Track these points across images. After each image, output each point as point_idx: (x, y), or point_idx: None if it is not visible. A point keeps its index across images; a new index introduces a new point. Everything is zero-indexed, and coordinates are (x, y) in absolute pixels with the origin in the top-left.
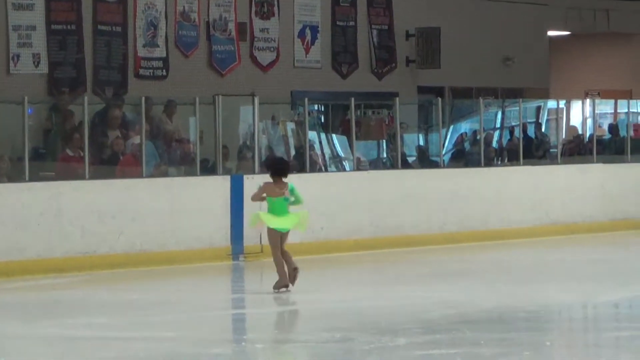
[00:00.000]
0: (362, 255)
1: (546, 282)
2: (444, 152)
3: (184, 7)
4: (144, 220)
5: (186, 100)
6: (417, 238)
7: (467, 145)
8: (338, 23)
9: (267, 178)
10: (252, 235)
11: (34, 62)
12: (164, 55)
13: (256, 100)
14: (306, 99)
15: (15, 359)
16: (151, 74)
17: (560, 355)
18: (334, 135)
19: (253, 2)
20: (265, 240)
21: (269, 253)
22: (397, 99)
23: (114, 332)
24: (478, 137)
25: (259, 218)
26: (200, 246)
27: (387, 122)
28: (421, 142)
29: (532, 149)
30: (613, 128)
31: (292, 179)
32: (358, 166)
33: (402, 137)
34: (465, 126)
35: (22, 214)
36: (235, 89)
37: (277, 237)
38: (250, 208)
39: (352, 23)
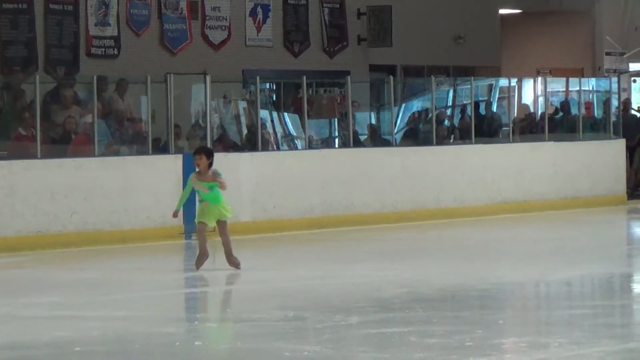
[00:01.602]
0: (314, 234)
1: (499, 260)
2: (395, 131)
3: None
4: (96, 199)
5: (138, 79)
6: (370, 216)
7: (419, 123)
8: (289, 1)
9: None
10: None
11: None
12: (116, 34)
13: (208, 78)
14: (258, 78)
15: None
16: (103, 52)
17: (512, 333)
18: (285, 114)
19: None
20: None
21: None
22: (349, 77)
23: (67, 311)
24: (430, 116)
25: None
26: (153, 225)
27: (338, 101)
28: (373, 121)
29: (484, 128)
30: (564, 106)
31: (245, 158)
32: (310, 145)
33: (354, 116)
34: (417, 104)
35: None
36: (186, 67)
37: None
38: None
39: (303, 2)
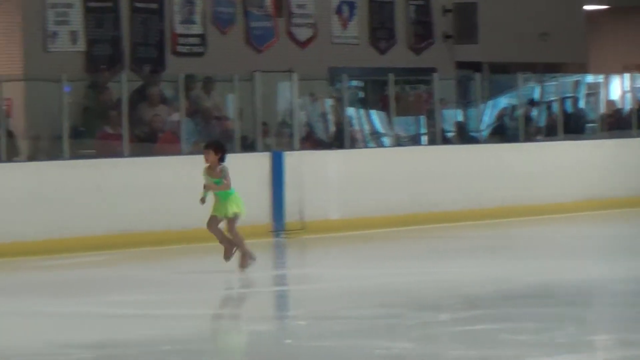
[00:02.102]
0: (401, 232)
1: (587, 257)
2: (482, 128)
3: None
4: (184, 197)
5: (224, 77)
6: (457, 214)
7: (506, 120)
8: None
9: (305, 155)
10: (293, 212)
11: (71, 40)
12: (201, 31)
13: (294, 76)
14: (344, 75)
15: (53, 337)
16: (189, 50)
17: (602, 330)
18: (372, 112)
19: None
20: (308, 216)
21: (310, 230)
22: (435, 74)
23: (154, 309)
24: (517, 113)
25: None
26: (241, 223)
27: (425, 98)
28: (460, 118)
29: (570, 124)
30: None
31: (332, 155)
32: (397, 142)
33: (440, 113)
34: (503, 101)
35: (62, 191)
36: (273, 65)
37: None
38: (292, 185)
39: None
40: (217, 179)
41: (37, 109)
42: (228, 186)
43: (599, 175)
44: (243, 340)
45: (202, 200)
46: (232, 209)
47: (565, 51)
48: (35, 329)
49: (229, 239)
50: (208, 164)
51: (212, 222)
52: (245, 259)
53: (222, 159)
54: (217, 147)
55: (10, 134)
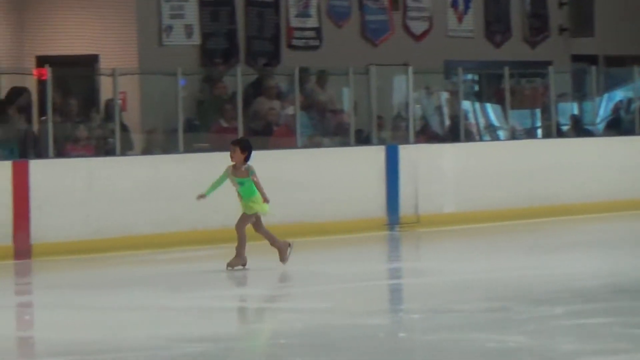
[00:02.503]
0: (516, 225)
1: None
2: (598, 121)
3: None
4: (299, 191)
5: (339, 71)
6: (572, 207)
7: (622, 113)
8: None
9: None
10: (408, 205)
11: (186, 34)
12: (317, 25)
13: (410, 70)
14: (459, 69)
15: (164, 331)
16: (304, 44)
17: None
18: (487, 105)
19: None
20: (423, 210)
21: (424, 223)
22: (551, 67)
23: (269, 303)
24: (633, 106)
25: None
26: (356, 217)
27: (541, 92)
28: (575, 111)
29: None
30: None
31: (448, 149)
32: (512, 135)
33: (556, 106)
34: (619, 94)
35: (177, 185)
36: (388, 59)
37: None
38: (407, 179)
39: None
40: (241, 179)
41: (151, 102)
42: (258, 183)
43: None
44: (357, 334)
45: (202, 197)
46: (254, 205)
47: None
48: (147, 323)
49: (279, 241)
50: (233, 163)
51: (247, 221)
52: (238, 261)
53: (247, 159)
54: (245, 146)
55: (124, 128)
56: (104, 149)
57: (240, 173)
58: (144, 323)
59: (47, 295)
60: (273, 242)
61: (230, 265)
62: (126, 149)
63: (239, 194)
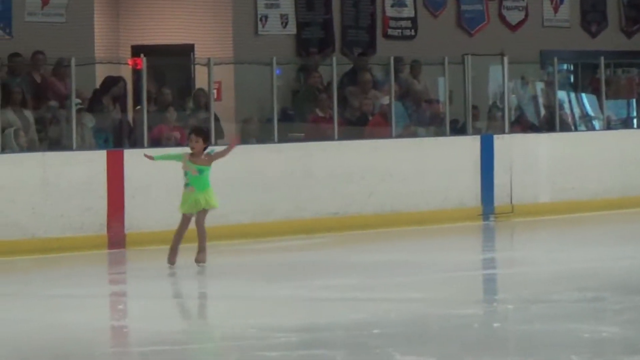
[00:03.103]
0: (611, 215)
1: None
2: None
3: None
4: (393, 180)
5: (434, 61)
6: None
7: None
8: None
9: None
10: (502, 195)
11: (281, 23)
12: (412, 15)
13: (505, 60)
14: (555, 59)
15: (260, 320)
16: (399, 34)
17: None
18: (583, 95)
19: None
20: (517, 200)
21: (519, 213)
22: None
23: (363, 293)
24: None
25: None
26: (450, 206)
27: (637, 81)
28: None
29: None
30: None
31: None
32: (608, 125)
33: None
34: None
35: (271, 174)
36: (483, 48)
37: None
38: (501, 169)
39: None
40: (201, 166)
41: (246, 92)
42: (233, 145)
43: None
44: (451, 324)
45: (150, 157)
46: (211, 200)
47: None
48: (243, 312)
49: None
50: (192, 152)
51: (187, 221)
52: (203, 256)
53: (206, 149)
54: (207, 137)
55: (215, 117)
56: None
57: (201, 161)
58: (237, 313)
59: (140, 285)
60: (202, 242)
61: (198, 260)
62: (217, 137)
63: (190, 186)
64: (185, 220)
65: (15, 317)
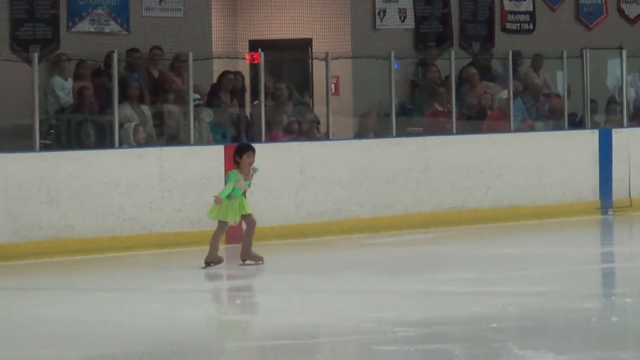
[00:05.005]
0: None
1: None
2: None
3: None
4: (512, 174)
5: (553, 54)
6: None
7: None
8: None
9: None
10: (621, 189)
11: (400, 17)
12: (531, 9)
13: (624, 53)
14: None
15: (380, 314)
16: (518, 27)
17: None
18: None
19: None
20: (636, 194)
21: (638, 207)
22: None
23: (482, 287)
24: None
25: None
26: (568, 200)
27: None
28: None
29: None
30: None
31: None
32: None
33: None
34: None
35: (390, 169)
36: (602, 42)
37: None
38: (620, 162)
39: None
40: (250, 182)
41: (364, 86)
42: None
43: None
44: (570, 318)
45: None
46: (246, 204)
47: None
48: (360, 307)
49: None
50: (246, 169)
51: (224, 227)
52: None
53: None
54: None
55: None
56: (313, 133)
57: (248, 176)
58: (357, 307)
59: (259, 280)
60: (215, 248)
61: (252, 259)
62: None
63: (235, 197)
64: (223, 226)
65: (135, 311)
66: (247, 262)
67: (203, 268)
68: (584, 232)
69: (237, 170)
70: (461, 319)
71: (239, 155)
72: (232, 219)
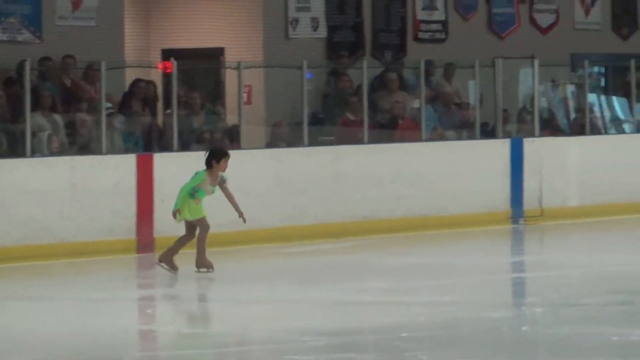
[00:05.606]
0: None
1: None
2: None
3: None
4: (423, 184)
5: (465, 64)
6: None
7: None
8: None
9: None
10: (532, 199)
11: (312, 27)
12: (443, 18)
13: (536, 63)
14: (586, 62)
15: (290, 324)
16: (430, 37)
17: None
18: (614, 98)
19: None
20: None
21: (549, 216)
22: None
23: (394, 296)
24: None
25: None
26: (480, 210)
27: None
28: None
29: None
30: None
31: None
32: (638, 129)
33: None
34: None
35: (301, 178)
36: (514, 51)
37: None
38: (531, 172)
39: None
40: (215, 187)
41: (276, 95)
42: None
43: None
44: (480, 327)
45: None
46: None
47: None
48: (274, 315)
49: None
50: (210, 173)
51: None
52: (168, 259)
53: None
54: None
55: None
56: (224, 142)
57: (215, 182)
58: (268, 316)
59: (170, 289)
60: (174, 252)
61: (205, 266)
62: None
63: (199, 198)
64: (193, 229)
65: (45, 320)
66: (201, 269)
67: (196, 272)
68: (495, 242)
69: (206, 172)
70: (372, 329)
71: (217, 159)
72: (203, 215)
